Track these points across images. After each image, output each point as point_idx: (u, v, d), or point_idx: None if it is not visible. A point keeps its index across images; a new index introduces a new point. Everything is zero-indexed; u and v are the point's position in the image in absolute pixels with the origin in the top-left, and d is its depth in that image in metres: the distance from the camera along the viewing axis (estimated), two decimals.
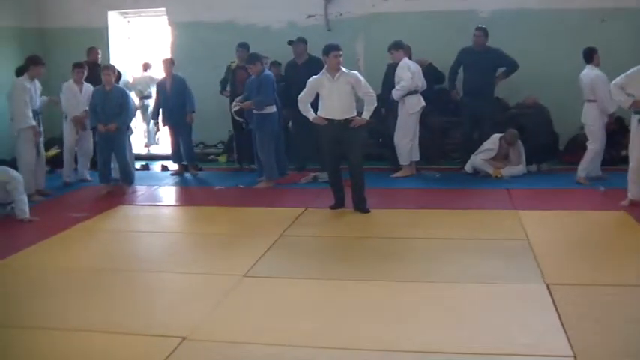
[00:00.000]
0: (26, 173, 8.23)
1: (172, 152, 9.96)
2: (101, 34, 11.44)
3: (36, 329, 4.45)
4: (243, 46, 9.71)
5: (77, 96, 9.20)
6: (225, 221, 7.15)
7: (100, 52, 10.56)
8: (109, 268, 5.66)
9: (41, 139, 8.64)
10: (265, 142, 8.62)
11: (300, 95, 7.31)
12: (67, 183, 9.35)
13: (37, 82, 8.54)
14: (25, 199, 7.47)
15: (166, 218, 7.66)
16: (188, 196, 8.83)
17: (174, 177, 9.80)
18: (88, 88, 9.11)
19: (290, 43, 9.70)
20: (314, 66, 9.04)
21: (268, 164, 8.68)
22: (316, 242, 6.29)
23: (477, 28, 9.18)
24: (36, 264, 5.89)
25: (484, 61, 9.07)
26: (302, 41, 9.64)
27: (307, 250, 6.01)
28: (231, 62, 9.91)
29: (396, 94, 8.85)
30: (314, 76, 7.30)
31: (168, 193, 8.95)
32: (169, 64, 9.67)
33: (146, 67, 11.98)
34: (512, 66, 9.16)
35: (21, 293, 5.15)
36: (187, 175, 9.82)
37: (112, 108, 8.52)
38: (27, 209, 7.38)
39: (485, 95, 9.16)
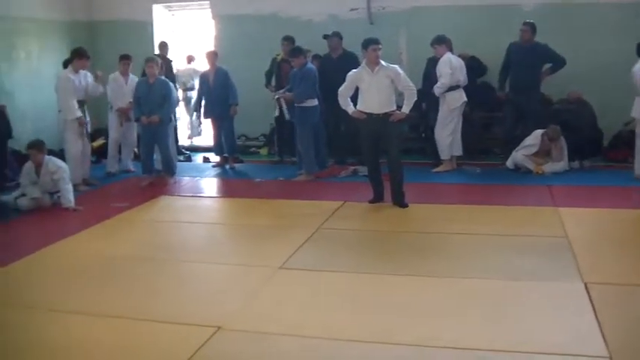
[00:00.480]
0: (73, 163, 8.43)
1: (214, 144, 10.05)
2: (146, 27, 11.60)
3: (73, 314, 4.56)
4: (288, 39, 9.73)
5: (122, 88, 9.34)
6: (263, 213, 7.19)
7: (168, 45, 10.75)
8: (148, 257, 5.76)
9: (87, 129, 8.80)
10: (305, 135, 8.64)
11: (340, 89, 7.30)
12: (111, 173, 9.51)
13: (87, 74, 8.71)
14: (71, 188, 7.65)
15: (206, 209, 7.73)
16: (229, 187, 8.89)
17: (215, 168, 9.88)
18: (134, 79, 9.25)
19: (325, 37, 9.69)
20: (348, 60, 9.08)
21: (308, 157, 8.71)
22: (353, 236, 6.28)
23: (524, 23, 9.01)
24: (78, 251, 6.03)
25: (530, 56, 8.90)
26: (337, 35, 9.62)
27: (344, 244, 6.00)
28: (277, 55, 9.95)
29: (437, 90, 8.77)
30: (354, 70, 7.30)
31: (209, 185, 9.03)
32: (213, 56, 9.73)
33: (190, 59, 12.11)
34: (559, 63, 8.96)
35: (62, 279, 5.30)
36: (228, 166, 9.89)
37: (154, 100, 8.63)
38: (72, 198, 7.56)
39: (531, 91, 9.00)
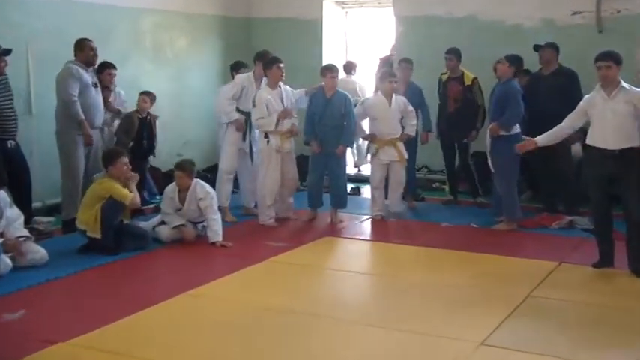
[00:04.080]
0: (222, 182, 8.90)
1: None
2: (314, 27, 11.91)
3: None
4: (453, 52, 9.63)
5: (270, 104, 8.62)
6: (453, 268, 7.07)
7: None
8: (310, 313, 5.81)
9: (251, 148, 9.11)
10: (506, 172, 8.42)
11: (568, 118, 7.05)
12: None
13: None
14: (219, 218, 7.90)
15: (379, 257, 7.72)
16: (407, 231, 8.80)
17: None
18: (288, 91, 8.88)
19: (537, 48, 9.37)
20: (564, 79, 8.84)
21: (509, 199, 8.48)
22: (575, 310, 5.98)
23: None
24: (226, 298, 6.23)
25: None
26: (551, 46, 9.26)
27: (563, 320, 5.72)
28: (442, 74, 9.90)
29: None
30: (586, 95, 7.02)
31: (382, 226, 8.96)
32: (409, 67, 9.60)
33: (350, 68, 12.00)
34: None
35: (205, 330, 5.45)
36: (407, 205, 9.71)
37: (333, 118, 8.67)
38: (220, 231, 7.79)
39: None
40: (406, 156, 9.09)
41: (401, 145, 9.05)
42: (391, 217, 9.14)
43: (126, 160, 7.60)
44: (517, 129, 8.39)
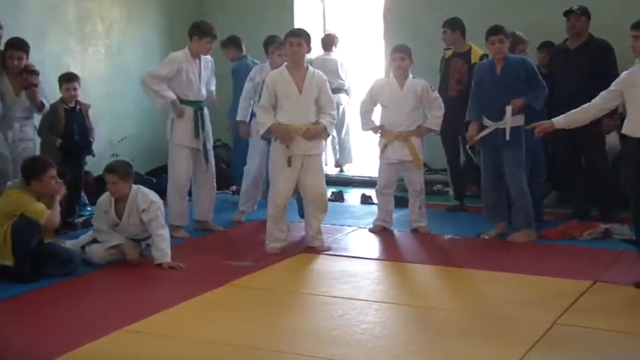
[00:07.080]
0: (176, 196, 8.92)
1: None
2: None
3: None
4: (447, 24, 9.79)
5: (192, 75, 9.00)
6: (460, 291, 7.11)
7: None
8: (280, 350, 5.76)
9: (208, 147, 9.12)
10: (523, 167, 8.52)
11: (600, 96, 7.12)
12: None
13: (209, 62, 9.15)
14: (167, 234, 7.87)
15: (369, 279, 7.64)
16: (401, 245, 8.88)
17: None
18: (207, 61, 9.16)
19: (567, 13, 9.40)
20: (595, 54, 8.92)
21: (527, 203, 8.53)
22: (611, 341, 5.96)
23: None
24: (175, 334, 6.14)
25: None
26: (583, 13, 9.31)
27: (596, 353, 5.74)
28: (445, 49, 10.02)
29: None
30: (624, 72, 7.10)
31: (370, 240, 9.04)
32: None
33: (329, 43, 12.05)
34: None
35: None
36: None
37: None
38: (168, 249, 7.75)
39: None
40: (422, 155, 9.08)
41: (416, 142, 9.00)
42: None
43: (54, 172, 7.46)
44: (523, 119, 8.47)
